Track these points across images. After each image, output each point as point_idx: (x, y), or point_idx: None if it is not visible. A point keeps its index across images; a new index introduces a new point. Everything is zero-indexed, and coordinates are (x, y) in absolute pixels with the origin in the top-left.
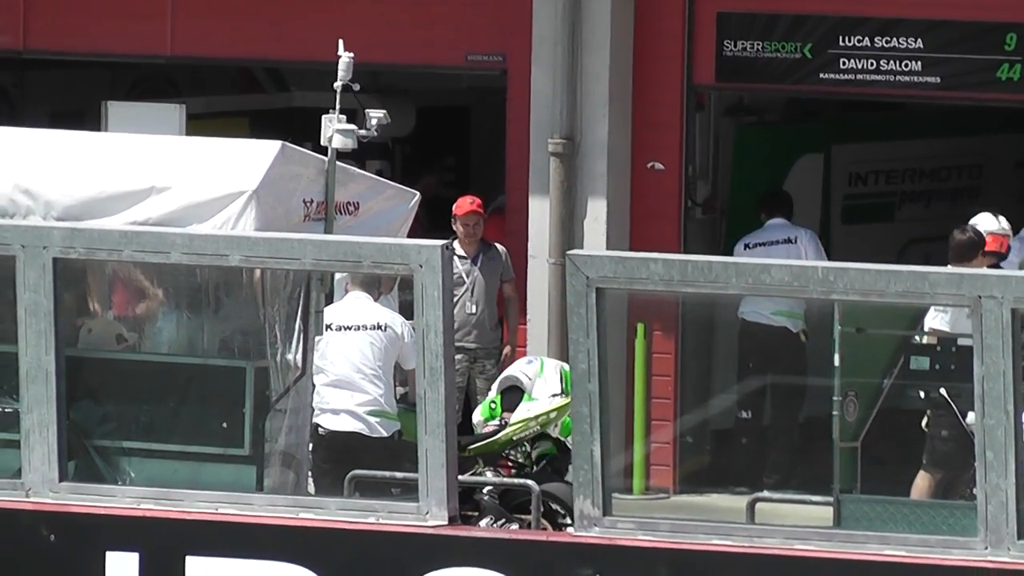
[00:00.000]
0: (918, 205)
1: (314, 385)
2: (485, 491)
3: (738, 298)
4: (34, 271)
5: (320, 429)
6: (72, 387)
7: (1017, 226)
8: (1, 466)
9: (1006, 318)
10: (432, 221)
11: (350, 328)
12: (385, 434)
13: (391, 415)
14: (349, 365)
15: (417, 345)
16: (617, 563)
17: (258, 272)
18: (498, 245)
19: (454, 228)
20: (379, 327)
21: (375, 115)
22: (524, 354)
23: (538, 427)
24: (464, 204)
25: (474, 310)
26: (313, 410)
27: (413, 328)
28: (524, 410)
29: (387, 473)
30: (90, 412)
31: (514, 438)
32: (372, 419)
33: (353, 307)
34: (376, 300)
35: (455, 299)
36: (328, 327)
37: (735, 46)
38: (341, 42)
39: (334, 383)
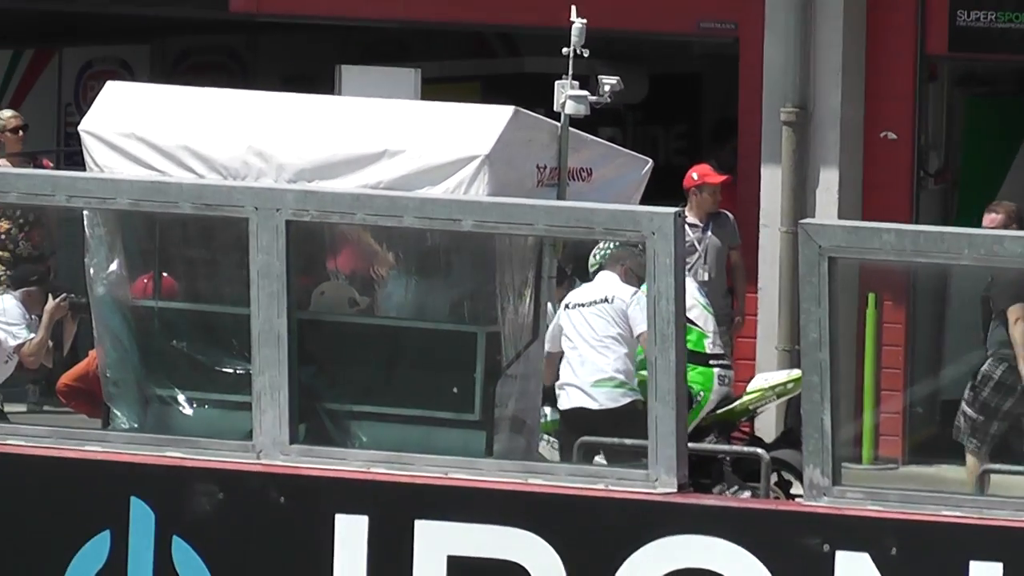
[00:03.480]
0: None
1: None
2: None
3: (970, 268)
4: (267, 233)
5: (559, 408)
6: (304, 350)
7: None
8: (232, 428)
9: None
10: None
11: (581, 305)
12: (612, 405)
13: (625, 384)
14: (579, 341)
15: (648, 312)
16: (845, 533)
17: (491, 237)
18: (726, 212)
19: (691, 195)
20: (606, 300)
21: (608, 81)
22: (755, 322)
23: (774, 396)
24: (712, 172)
25: (707, 277)
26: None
27: (639, 295)
28: (761, 380)
29: (616, 440)
30: (321, 375)
31: (750, 407)
32: (597, 391)
33: (589, 285)
34: (623, 277)
35: (688, 266)
36: (566, 306)
37: (968, 16)
38: (574, 8)
39: (567, 360)
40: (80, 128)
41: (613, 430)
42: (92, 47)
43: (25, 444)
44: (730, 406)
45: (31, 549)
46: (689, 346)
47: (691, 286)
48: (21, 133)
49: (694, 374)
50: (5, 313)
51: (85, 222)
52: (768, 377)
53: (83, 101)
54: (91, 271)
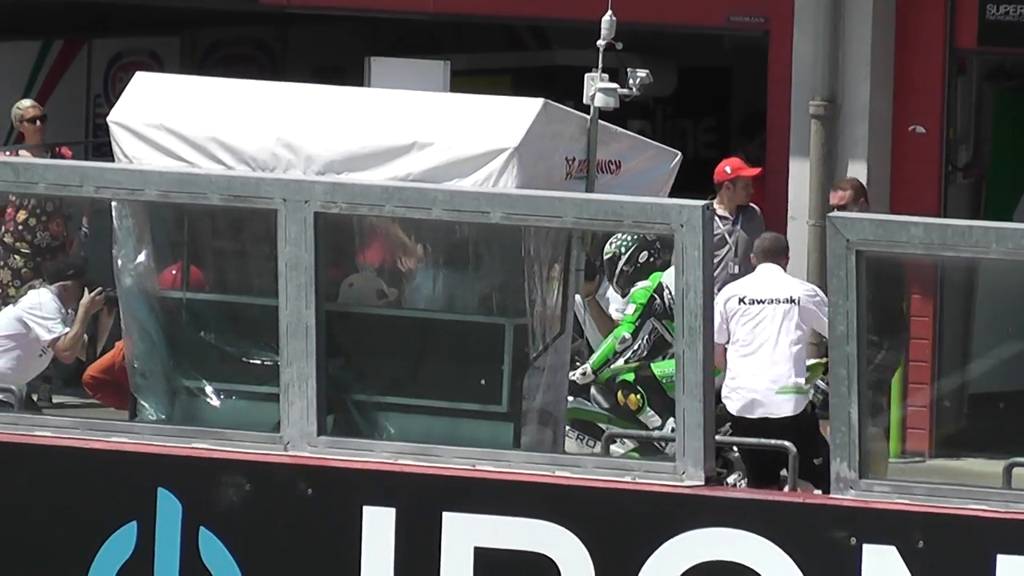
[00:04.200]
0: None
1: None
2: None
3: (999, 262)
4: (295, 225)
5: (728, 408)
6: (332, 342)
7: None
8: (260, 420)
9: None
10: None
11: (763, 302)
12: (791, 413)
13: (803, 390)
14: (763, 340)
15: (676, 305)
16: (872, 526)
17: (520, 229)
18: (754, 206)
19: (723, 188)
20: (792, 300)
21: (638, 74)
22: None
23: None
24: (745, 166)
25: (737, 271)
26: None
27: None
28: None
29: (643, 433)
30: (349, 367)
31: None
32: (780, 398)
33: (767, 280)
34: (784, 269)
35: (718, 260)
36: (741, 300)
37: (998, 10)
38: (610, 2)
39: (746, 358)
40: (109, 119)
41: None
42: (122, 38)
43: (53, 435)
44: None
45: (58, 540)
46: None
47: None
48: (39, 124)
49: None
50: (41, 307)
51: (113, 213)
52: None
53: (112, 92)
54: (119, 262)
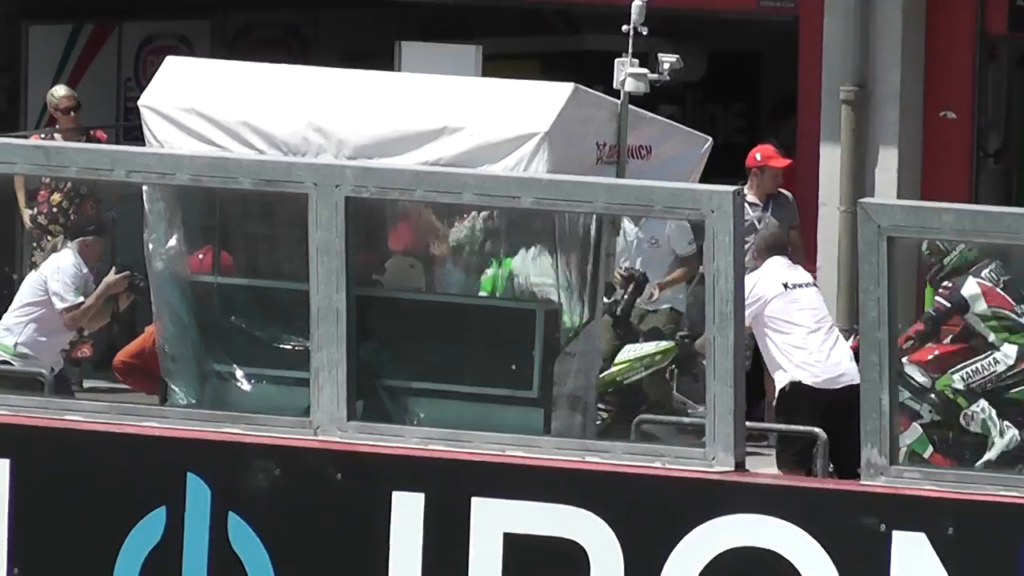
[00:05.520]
0: None
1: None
2: None
3: None
4: (326, 210)
5: (805, 382)
6: (362, 326)
7: None
8: (290, 404)
9: None
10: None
11: (800, 286)
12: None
13: None
14: (820, 316)
15: (707, 291)
16: (903, 512)
17: (550, 214)
18: (786, 192)
19: (752, 175)
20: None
21: (667, 59)
22: None
23: (643, 368)
24: (776, 155)
25: None
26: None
27: None
28: (629, 351)
29: (674, 419)
30: (379, 352)
31: (618, 378)
32: (854, 365)
33: (791, 267)
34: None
35: (748, 245)
36: (785, 285)
37: None
38: None
39: (813, 334)
40: (140, 103)
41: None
42: (152, 22)
43: (82, 420)
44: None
45: (86, 525)
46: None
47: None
48: (72, 114)
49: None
50: (59, 271)
51: (144, 197)
52: (637, 348)
53: (143, 76)
54: (150, 246)
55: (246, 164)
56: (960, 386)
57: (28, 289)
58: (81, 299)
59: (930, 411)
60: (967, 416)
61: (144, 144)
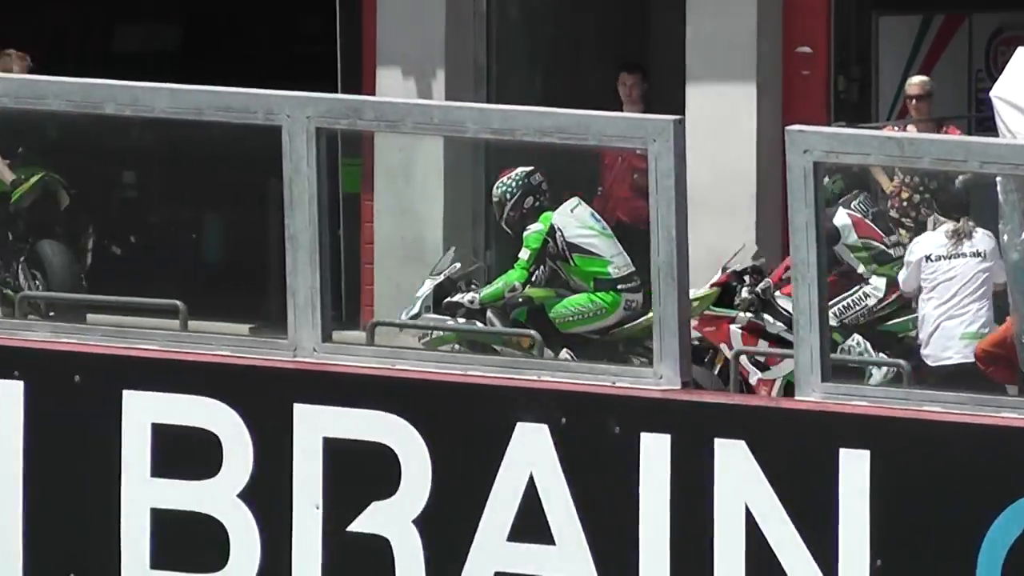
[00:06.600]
0: None
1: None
2: None
3: None
4: None
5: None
6: None
7: None
8: None
9: None
10: None
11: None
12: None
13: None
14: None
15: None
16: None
17: None
18: None
19: None
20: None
21: None
22: None
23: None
24: None
25: None
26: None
27: None
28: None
29: None
30: None
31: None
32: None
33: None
34: None
35: None
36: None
37: None
38: None
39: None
40: (991, 94)
41: None
42: (1002, 12)
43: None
44: (636, 322)
45: (945, 520)
46: (596, 272)
47: (585, 211)
48: (916, 103)
49: (601, 296)
50: None
51: (998, 188)
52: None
53: (993, 67)
54: (1004, 237)
55: None
56: (834, 322)
57: None
58: None
59: None
60: (844, 351)
61: (996, 135)
